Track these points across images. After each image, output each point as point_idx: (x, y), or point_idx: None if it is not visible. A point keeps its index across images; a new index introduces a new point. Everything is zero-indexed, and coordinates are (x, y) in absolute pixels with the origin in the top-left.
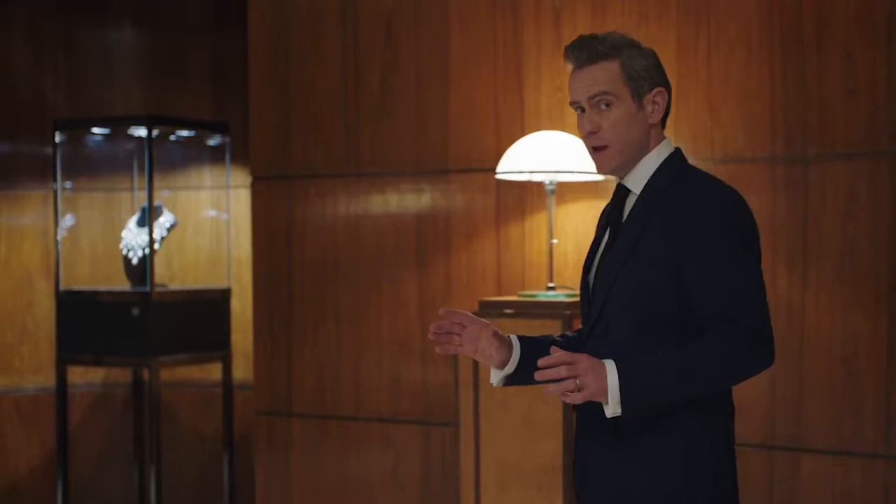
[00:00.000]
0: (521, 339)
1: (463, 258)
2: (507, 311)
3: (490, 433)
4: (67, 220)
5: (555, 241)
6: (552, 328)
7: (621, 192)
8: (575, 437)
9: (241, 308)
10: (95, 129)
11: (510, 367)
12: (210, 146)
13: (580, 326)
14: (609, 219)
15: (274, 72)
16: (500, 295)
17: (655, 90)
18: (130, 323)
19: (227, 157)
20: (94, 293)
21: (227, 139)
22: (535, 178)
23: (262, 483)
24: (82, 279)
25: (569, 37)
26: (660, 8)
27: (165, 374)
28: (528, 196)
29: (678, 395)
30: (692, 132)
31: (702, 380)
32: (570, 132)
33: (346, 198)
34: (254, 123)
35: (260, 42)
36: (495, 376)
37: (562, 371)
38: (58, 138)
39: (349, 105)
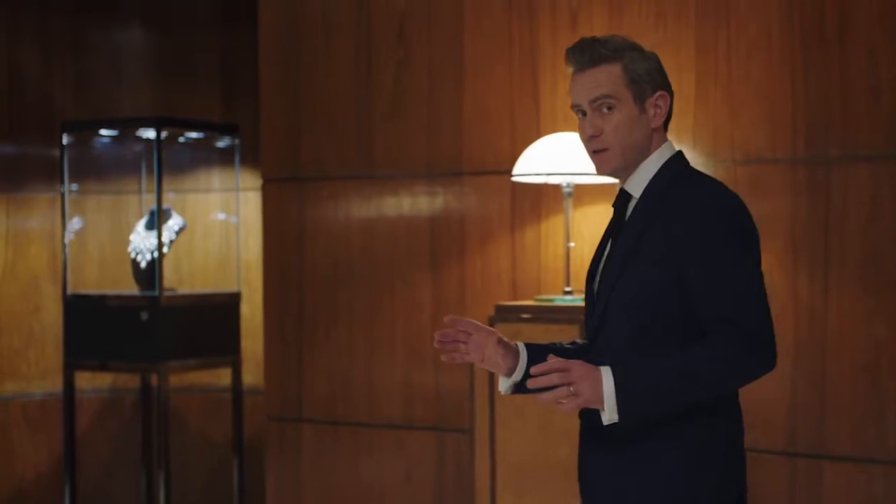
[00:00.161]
0: (528, 346)
1: (477, 262)
2: (525, 315)
3: (506, 440)
4: (75, 223)
5: (572, 244)
6: (569, 333)
7: (622, 197)
8: (578, 443)
9: (251, 312)
10: (103, 131)
11: (517, 375)
12: (219, 148)
13: None
14: (611, 225)
15: (284, 72)
16: (515, 299)
17: (658, 94)
18: (139, 327)
19: (237, 158)
20: (102, 297)
21: (237, 141)
22: (552, 180)
23: (272, 490)
24: (90, 283)
25: None
26: (678, 8)
27: (174, 380)
28: (543, 199)
29: (678, 399)
30: (712, 133)
31: (702, 383)
32: None
33: (358, 200)
34: (264, 124)
35: (270, 42)
36: (503, 384)
37: (554, 378)
38: (65, 140)
39: (361, 106)
